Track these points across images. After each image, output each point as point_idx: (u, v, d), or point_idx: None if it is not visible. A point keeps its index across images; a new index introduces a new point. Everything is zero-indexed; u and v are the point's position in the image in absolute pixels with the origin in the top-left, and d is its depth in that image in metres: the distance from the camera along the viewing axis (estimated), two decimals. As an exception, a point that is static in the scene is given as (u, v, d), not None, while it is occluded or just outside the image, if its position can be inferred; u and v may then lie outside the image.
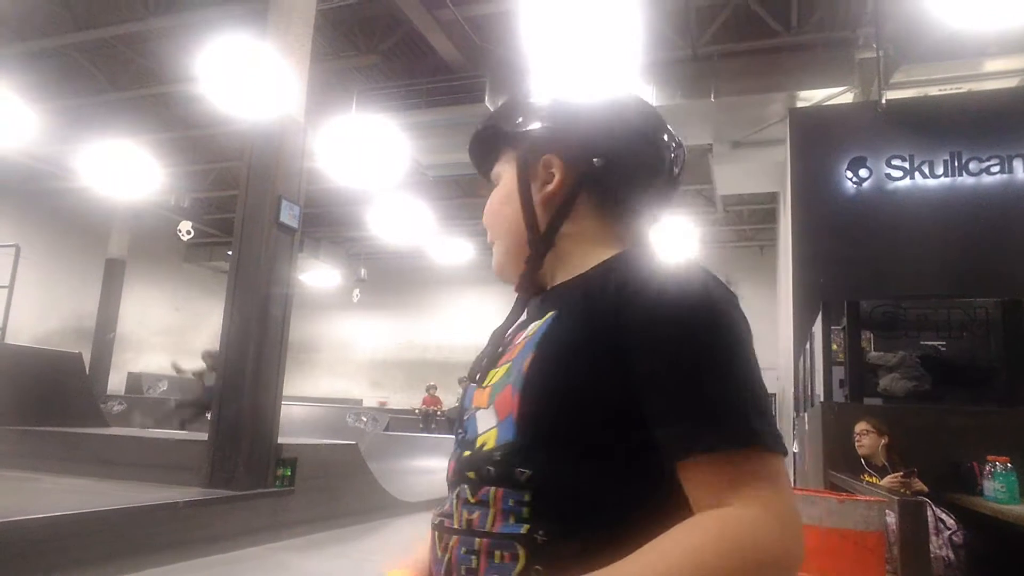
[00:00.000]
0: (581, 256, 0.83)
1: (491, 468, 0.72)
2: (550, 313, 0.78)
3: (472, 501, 0.73)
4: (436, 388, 13.91)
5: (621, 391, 0.68)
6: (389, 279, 19.47)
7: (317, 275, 18.22)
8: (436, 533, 0.77)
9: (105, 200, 13.08)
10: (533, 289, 0.87)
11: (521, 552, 0.67)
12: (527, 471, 0.70)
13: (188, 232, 14.71)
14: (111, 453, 5.68)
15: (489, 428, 0.75)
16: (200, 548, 4.35)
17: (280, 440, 5.40)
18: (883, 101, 5.74)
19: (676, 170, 0.87)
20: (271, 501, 5.11)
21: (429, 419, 13.08)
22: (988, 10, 5.09)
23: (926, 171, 5.41)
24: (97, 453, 5.70)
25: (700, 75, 7.69)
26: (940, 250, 5.21)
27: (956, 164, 5.35)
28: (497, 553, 0.69)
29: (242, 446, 5.03)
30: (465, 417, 0.81)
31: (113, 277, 14.54)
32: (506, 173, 0.89)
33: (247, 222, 5.46)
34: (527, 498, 0.69)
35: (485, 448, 0.74)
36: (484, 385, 0.81)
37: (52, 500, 4.26)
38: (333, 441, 6.96)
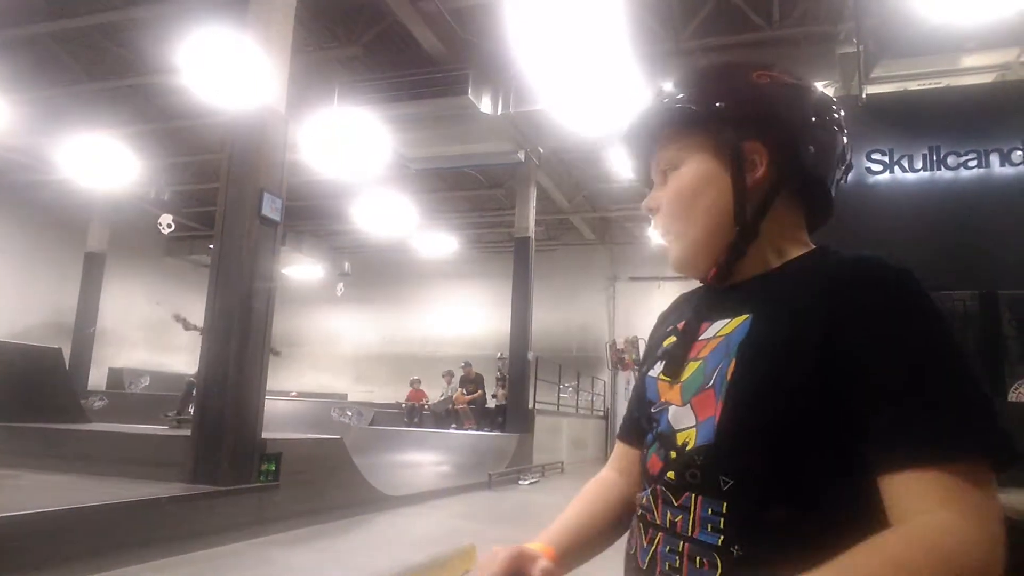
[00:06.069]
0: (774, 250, 0.81)
1: (696, 472, 0.73)
2: (746, 316, 0.76)
3: (676, 504, 0.74)
4: (420, 382, 13.86)
5: (833, 402, 0.67)
6: (373, 273, 19.41)
7: (300, 269, 18.10)
8: (640, 524, 0.80)
9: (83, 193, 12.91)
10: (726, 281, 0.83)
11: (719, 562, 0.69)
12: (730, 480, 0.70)
13: (169, 225, 14.52)
14: (93, 449, 5.63)
15: (687, 427, 0.75)
16: (184, 544, 4.32)
17: (265, 435, 5.37)
18: (863, 96, 5.79)
19: (848, 157, 0.85)
20: (256, 496, 5.09)
21: (414, 413, 13.05)
22: (966, 5, 5.16)
23: (905, 165, 5.44)
24: (79, 449, 5.65)
25: (683, 69, 7.72)
26: (919, 243, 5.25)
27: (935, 158, 5.39)
28: (698, 559, 0.70)
29: (225, 441, 5.00)
30: (654, 410, 0.81)
31: (92, 271, 14.36)
32: (696, 159, 0.83)
33: (229, 215, 5.41)
34: (724, 508, 0.70)
35: (687, 449, 0.74)
36: (670, 379, 0.80)
37: (33, 497, 4.21)
38: (318, 436, 6.95)
